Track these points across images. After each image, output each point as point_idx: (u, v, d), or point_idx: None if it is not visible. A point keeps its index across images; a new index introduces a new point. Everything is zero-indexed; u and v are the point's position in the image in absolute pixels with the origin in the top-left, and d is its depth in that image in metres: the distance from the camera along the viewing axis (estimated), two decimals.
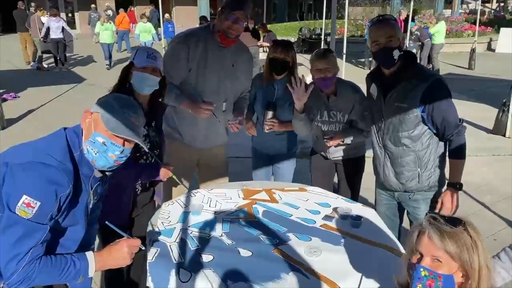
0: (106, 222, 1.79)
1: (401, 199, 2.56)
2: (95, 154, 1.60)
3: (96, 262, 1.64)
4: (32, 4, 12.61)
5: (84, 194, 1.66)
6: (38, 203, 1.44)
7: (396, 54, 2.27)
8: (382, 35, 2.28)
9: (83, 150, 1.61)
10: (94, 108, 1.64)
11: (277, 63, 3.01)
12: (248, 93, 3.20)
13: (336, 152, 3.04)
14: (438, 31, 11.88)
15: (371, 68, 13.82)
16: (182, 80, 2.83)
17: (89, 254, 1.65)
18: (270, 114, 3.06)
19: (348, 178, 3.10)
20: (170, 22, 15.55)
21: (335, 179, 3.25)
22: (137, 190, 2.41)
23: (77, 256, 1.61)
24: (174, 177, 2.42)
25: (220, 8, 2.80)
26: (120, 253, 1.69)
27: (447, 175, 2.45)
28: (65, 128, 1.68)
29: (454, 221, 1.29)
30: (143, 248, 1.80)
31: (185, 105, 2.81)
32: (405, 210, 2.61)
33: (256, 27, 11.03)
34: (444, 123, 2.26)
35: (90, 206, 1.75)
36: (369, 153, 2.81)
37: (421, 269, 1.28)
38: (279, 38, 15.49)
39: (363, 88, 2.84)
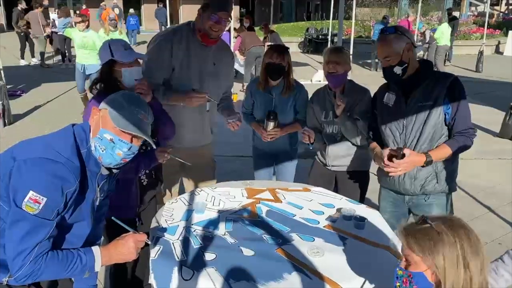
0: (112, 217, 1.80)
1: (413, 204, 2.48)
2: (102, 151, 1.60)
3: (102, 257, 1.65)
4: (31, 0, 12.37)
5: (90, 191, 1.66)
6: (45, 199, 1.45)
7: (397, 70, 2.26)
8: (380, 55, 2.32)
9: (90, 147, 1.62)
10: (102, 105, 1.64)
11: (273, 68, 3.01)
12: (230, 93, 3.20)
13: (336, 159, 2.95)
14: (442, 32, 11.81)
15: (378, 70, 13.69)
16: (165, 79, 2.81)
17: (95, 249, 1.65)
18: (271, 125, 3.04)
19: (349, 191, 2.89)
20: (133, 16, 17.03)
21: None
22: (142, 181, 2.40)
23: (84, 251, 1.62)
24: (173, 156, 2.39)
25: (200, 7, 2.75)
26: (126, 248, 1.69)
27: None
28: (73, 125, 1.68)
29: (425, 220, 1.30)
30: (150, 242, 1.80)
31: (175, 99, 2.77)
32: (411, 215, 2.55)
33: (259, 28, 11.03)
34: (459, 120, 2.25)
35: (97, 203, 1.76)
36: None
37: (397, 269, 1.35)
38: (286, 38, 15.45)
39: (372, 90, 2.81)
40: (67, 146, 1.56)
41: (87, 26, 7.25)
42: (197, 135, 3.00)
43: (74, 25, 7.77)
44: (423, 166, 2.27)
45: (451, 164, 2.38)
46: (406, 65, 2.26)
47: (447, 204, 2.45)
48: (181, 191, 3.01)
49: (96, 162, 1.63)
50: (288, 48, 3.20)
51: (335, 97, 2.81)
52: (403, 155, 2.20)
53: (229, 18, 2.78)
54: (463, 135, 2.26)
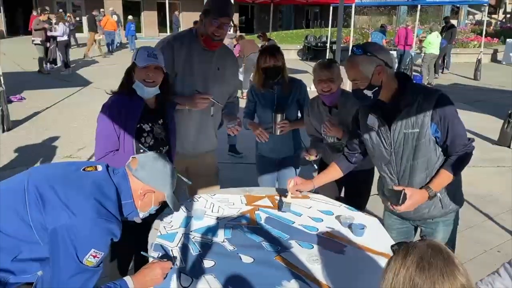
0: (142, 252, 1.98)
1: (419, 223, 2.39)
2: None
3: (134, 284, 1.79)
4: (39, 8, 12.49)
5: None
6: (102, 253, 1.66)
7: (367, 93, 2.06)
8: (348, 77, 2.13)
9: (133, 203, 1.82)
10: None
11: (271, 71, 3.07)
12: (236, 98, 3.20)
13: None
14: (430, 42, 11.98)
15: None
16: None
17: (128, 279, 1.79)
18: (279, 117, 3.11)
19: (355, 191, 3.01)
20: (133, 22, 18.21)
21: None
22: None
23: (119, 283, 1.76)
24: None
25: (202, 12, 2.78)
26: (154, 275, 1.81)
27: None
28: (107, 166, 1.84)
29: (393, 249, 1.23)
30: (176, 266, 1.89)
31: (180, 102, 2.78)
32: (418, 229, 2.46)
33: (256, 35, 11.14)
34: (454, 141, 2.07)
35: None
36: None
37: None
38: (285, 45, 15.44)
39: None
40: (113, 202, 1.73)
41: None
42: (200, 140, 3.00)
43: None
44: (430, 198, 2.12)
45: (453, 184, 2.19)
46: (377, 88, 2.05)
47: (454, 220, 2.32)
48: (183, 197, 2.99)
49: (134, 213, 1.85)
50: (279, 47, 3.26)
51: (330, 112, 2.86)
52: (404, 197, 2.04)
53: (231, 23, 2.80)
54: (462, 152, 2.09)
